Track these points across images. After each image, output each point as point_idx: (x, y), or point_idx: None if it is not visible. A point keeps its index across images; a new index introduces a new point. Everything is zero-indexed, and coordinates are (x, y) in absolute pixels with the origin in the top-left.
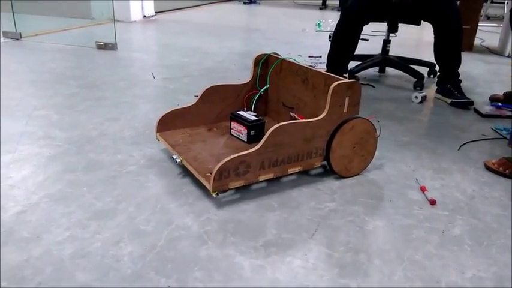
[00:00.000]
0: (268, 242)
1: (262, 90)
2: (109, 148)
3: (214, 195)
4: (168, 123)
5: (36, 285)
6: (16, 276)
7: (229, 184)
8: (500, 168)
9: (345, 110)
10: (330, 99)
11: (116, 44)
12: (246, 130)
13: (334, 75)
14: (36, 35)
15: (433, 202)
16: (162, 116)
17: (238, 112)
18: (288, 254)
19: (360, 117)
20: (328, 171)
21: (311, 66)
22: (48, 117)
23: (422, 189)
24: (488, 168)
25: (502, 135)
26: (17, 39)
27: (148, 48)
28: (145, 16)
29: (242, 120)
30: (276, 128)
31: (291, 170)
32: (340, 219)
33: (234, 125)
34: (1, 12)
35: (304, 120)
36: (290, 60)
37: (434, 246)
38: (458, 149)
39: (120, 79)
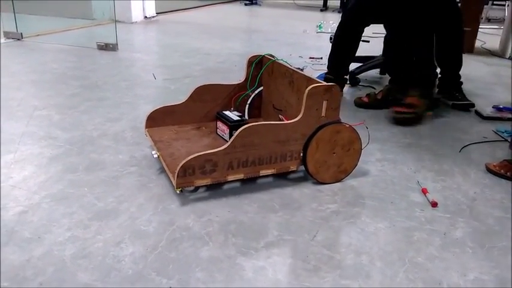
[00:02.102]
0: (269, 243)
1: (249, 90)
2: (110, 148)
3: (178, 192)
4: (157, 119)
5: (38, 285)
6: (18, 277)
7: (195, 182)
8: (502, 171)
9: (323, 114)
10: (305, 102)
11: (117, 44)
12: (228, 130)
13: (315, 79)
14: (38, 35)
15: (434, 204)
16: (151, 113)
17: (223, 112)
18: (289, 256)
19: (340, 123)
20: None
21: (298, 68)
22: (49, 117)
23: (424, 191)
24: (489, 170)
25: (503, 138)
26: (18, 40)
27: (150, 48)
28: (146, 17)
29: (225, 120)
30: (245, 128)
31: (264, 172)
32: (341, 221)
33: (219, 124)
34: (2, 13)
35: (276, 122)
36: (280, 62)
37: (436, 249)
38: (460, 151)
39: (121, 79)
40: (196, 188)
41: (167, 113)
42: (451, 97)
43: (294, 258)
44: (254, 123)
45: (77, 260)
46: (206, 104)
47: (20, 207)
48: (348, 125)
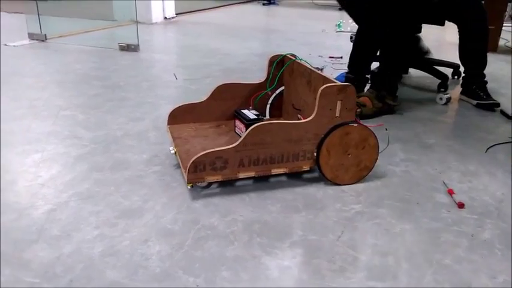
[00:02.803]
0: (294, 243)
1: (268, 89)
2: (134, 148)
3: (189, 187)
4: (179, 117)
5: (68, 282)
6: (48, 273)
7: (206, 178)
8: None
9: (337, 114)
10: (318, 102)
11: (138, 45)
12: (244, 128)
13: (332, 79)
14: (61, 36)
15: (461, 205)
16: (173, 110)
17: (241, 110)
18: (314, 256)
19: (356, 123)
20: None
21: (317, 68)
22: (73, 117)
23: (450, 192)
24: None
25: None
26: (42, 41)
27: (170, 49)
28: (166, 18)
29: (242, 118)
30: (256, 126)
31: (275, 171)
32: (366, 222)
33: (237, 122)
34: (27, 15)
35: (288, 121)
36: (300, 61)
37: (464, 250)
38: (486, 152)
39: (143, 80)
40: (209, 184)
41: (188, 110)
42: (476, 96)
43: (319, 258)
44: (266, 122)
45: (105, 258)
46: (226, 103)
47: (48, 205)
48: (355, 124)
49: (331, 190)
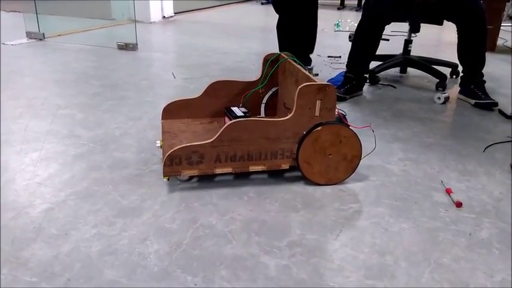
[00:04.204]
0: (292, 242)
1: (259, 86)
2: (133, 147)
3: (165, 180)
4: (173, 112)
5: (66, 281)
6: (46, 272)
7: (182, 171)
8: None
9: (317, 114)
10: (296, 101)
11: (136, 44)
12: None
13: (315, 78)
14: (59, 35)
15: (459, 204)
16: (167, 105)
17: (231, 107)
18: (313, 255)
19: (337, 124)
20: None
21: (308, 68)
22: (72, 116)
23: (448, 192)
24: None
25: None
26: (41, 40)
27: (168, 48)
28: (164, 17)
29: (230, 115)
30: (233, 123)
31: (253, 168)
32: (364, 221)
33: (226, 119)
34: (25, 14)
35: (265, 119)
36: (291, 60)
37: (462, 249)
38: (484, 151)
39: (141, 79)
40: (190, 178)
41: (183, 106)
42: (474, 96)
43: (318, 257)
44: (242, 119)
45: (104, 257)
46: (220, 99)
47: (46, 204)
48: (321, 126)
49: (330, 189)
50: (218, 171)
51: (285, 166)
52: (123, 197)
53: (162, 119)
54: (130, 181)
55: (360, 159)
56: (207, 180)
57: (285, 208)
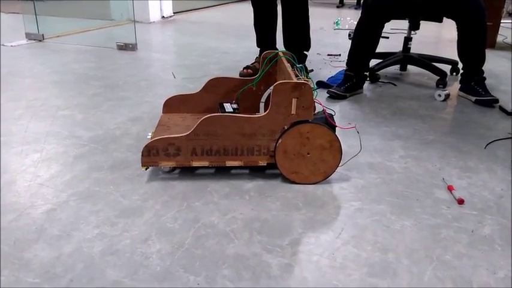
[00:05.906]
0: (294, 240)
1: (252, 83)
2: (133, 147)
3: (144, 170)
4: (173, 106)
5: (68, 281)
6: (48, 273)
7: (160, 162)
8: None
9: (293, 112)
10: (272, 98)
11: (136, 44)
12: None
13: (299, 76)
14: (58, 36)
15: (461, 201)
16: (167, 100)
17: (224, 103)
18: (315, 253)
19: (316, 123)
20: (350, 170)
21: (299, 66)
22: (72, 117)
23: (450, 188)
24: None
25: None
26: (40, 41)
27: (168, 48)
28: (163, 17)
29: (220, 111)
30: (207, 117)
31: (230, 163)
32: (366, 218)
33: None
34: (24, 15)
35: (241, 115)
36: (284, 59)
37: (464, 246)
38: (485, 148)
39: (141, 79)
40: (173, 169)
41: (182, 101)
42: (474, 93)
43: (320, 255)
44: (217, 114)
45: (106, 257)
46: (218, 96)
47: (48, 205)
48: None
49: (331, 187)
50: (195, 164)
51: (262, 163)
52: (124, 197)
53: (162, 112)
54: (132, 181)
55: (339, 140)
56: (208, 179)
57: (286, 207)
